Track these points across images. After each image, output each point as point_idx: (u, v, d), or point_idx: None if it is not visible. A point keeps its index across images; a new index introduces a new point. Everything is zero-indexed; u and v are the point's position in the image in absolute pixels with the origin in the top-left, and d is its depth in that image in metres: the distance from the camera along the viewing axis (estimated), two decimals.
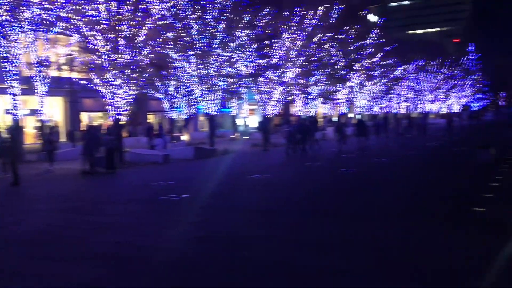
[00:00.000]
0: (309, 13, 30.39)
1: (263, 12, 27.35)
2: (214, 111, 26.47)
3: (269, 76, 29.64)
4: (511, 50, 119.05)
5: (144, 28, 19.97)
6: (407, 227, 7.58)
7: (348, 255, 6.12)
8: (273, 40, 29.34)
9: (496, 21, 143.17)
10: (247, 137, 35.45)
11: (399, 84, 55.84)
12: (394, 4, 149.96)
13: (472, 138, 29.01)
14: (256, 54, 27.88)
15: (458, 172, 14.26)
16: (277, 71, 29.71)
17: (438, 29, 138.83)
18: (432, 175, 13.76)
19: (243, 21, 26.02)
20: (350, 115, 50.61)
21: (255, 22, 27.02)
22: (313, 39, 31.64)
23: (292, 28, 29.80)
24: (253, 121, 41.92)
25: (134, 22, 19.61)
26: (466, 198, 9.66)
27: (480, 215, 8.08)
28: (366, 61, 41.07)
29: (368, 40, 41.00)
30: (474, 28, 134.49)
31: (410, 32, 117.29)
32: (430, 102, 73.90)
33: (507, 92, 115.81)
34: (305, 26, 30.40)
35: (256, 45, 27.46)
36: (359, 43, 39.12)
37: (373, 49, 41.59)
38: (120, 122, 20.90)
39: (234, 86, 28.35)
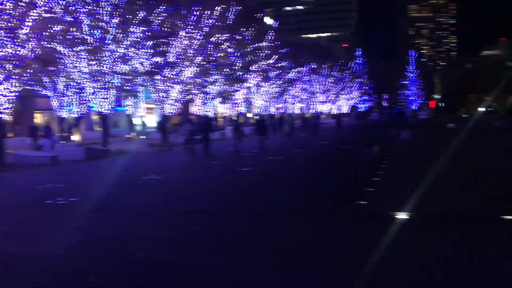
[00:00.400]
0: (206, 12, 30.39)
1: (159, 10, 26.80)
2: (107, 110, 25.38)
3: (166, 75, 29.12)
4: (392, 55, 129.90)
5: (28, 20, 18.50)
6: (294, 221, 7.93)
7: (238, 252, 6.24)
8: (170, 38, 28.88)
9: (377, 28, 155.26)
10: (144, 136, 34.50)
11: (293, 86, 58.21)
12: (288, 8, 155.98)
13: (358, 137, 31.15)
14: (152, 51, 27.20)
15: (345, 168, 15.24)
16: (174, 70, 29.30)
17: (329, 34, 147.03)
18: (321, 172, 14.54)
19: (138, 17, 25.26)
20: (249, 115, 51.68)
21: (150, 19, 26.36)
22: (210, 39, 31.71)
23: (189, 26, 29.59)
24: (151, 120, 40.95)
25: (17, 13, 18.09)
26: (351, 192, 10.35)
27: (362, 208, 8.72)
28: (262, 62, 42.17)
29: (264, 42, 42.14)
30: (360, 34, 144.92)
31: (304, 36, 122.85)
32: (321, 103, 78.02)
33: (389, 94, 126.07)
34: (202, 25, 30.35)
35: (152, 42, 26.80)
36: (256, 44, 40.07)
37: (269, 51, 42.85)
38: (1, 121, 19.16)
39: (129, 84, 27.44)
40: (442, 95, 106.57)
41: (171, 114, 30.93)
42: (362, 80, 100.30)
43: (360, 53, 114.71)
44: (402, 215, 7.77)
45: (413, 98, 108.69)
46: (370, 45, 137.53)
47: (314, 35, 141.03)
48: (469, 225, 7.32)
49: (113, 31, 23.85)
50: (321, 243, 6.58)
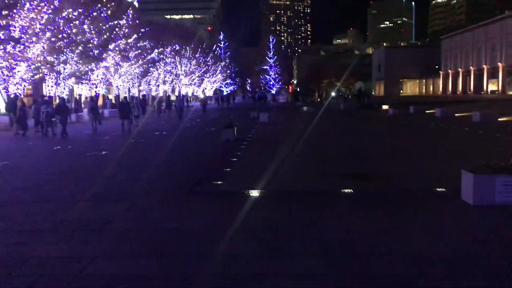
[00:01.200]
0: None
1: None
2: None
3: (9, 51, 26.08)
4: (254, 40, 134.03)
5: None
6: (149, 203, 7.69)
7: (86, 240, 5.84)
8: (13, 10, 25.84)
9: (240, 13, 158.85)
10: None
11: (157, 67, 56.83)
12: None
13: (221, 120, 31.65)
14: None
15: (206, 150, 15.28)
16: (18, 46, 26.36)
17: (193, 16, 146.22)
18: (182, 154, 14.41)
19: None
20: (110, 96, 49.12)
21: None
22: (62, 14, 29.18)
23: None
24: None
25: None
26: (209, 173, 10.40)
27: (218, 188, 8.82)
28: (121, 41, 40.25)
29: (123, 20, 40.20)
30: (224, 18, 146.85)
31: (167, 16, 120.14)
32: (186, 85, 77.68)
33: (251, 78, 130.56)
34: None
35: None
36: (114, 22, 38.03)
37: (128, 30, 41.03)
38: None
39: None
40: (298, 80, 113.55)
41: (19, 95, 27.91)
42: (225, 63, 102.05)
43: (223, 36, 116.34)
44: (254, 193, 8.04)
45: (273, 83, 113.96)
46: (233, 30, 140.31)
47: (178, 16, 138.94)
48: (313, 200, 7.83)
49: None
50: (169, 224, 6.47)
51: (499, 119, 24.40)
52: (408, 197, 7.72)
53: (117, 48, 39.33)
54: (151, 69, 53.42)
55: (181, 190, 8.64)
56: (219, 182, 9.17)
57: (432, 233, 5.80)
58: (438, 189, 8.16)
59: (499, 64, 66.93)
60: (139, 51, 45.31)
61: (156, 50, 50.44)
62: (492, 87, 69.91)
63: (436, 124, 23.36)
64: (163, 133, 22.28)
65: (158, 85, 67.58)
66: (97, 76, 39.02)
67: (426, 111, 34.93)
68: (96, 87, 40.97)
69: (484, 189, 6.90)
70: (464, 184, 7.21)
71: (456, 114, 30.05)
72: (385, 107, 44.02)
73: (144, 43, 45.84)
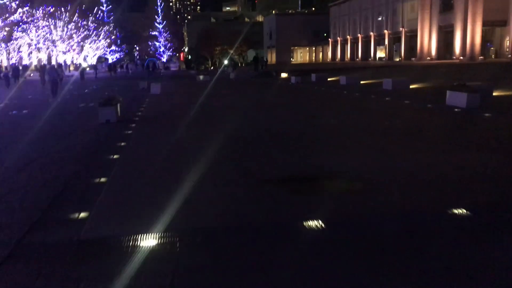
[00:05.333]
0: None
1: None
2: None
3: None
4: (140, 4, 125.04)
5: None
6: None
7: None
8: None
9: None
10: None
11: (27, 31, 48.64)
12: None
13: (103, 93, 26.75)
14: None
15: (73, 140, 10.92)
16: None
17: None
18: (38, 148, 10.11)
19: None
20: None
21: None
22: None
23: None
24: None
25: None
26: (67, 191, 6.51)
27: (77, 231, 5.12)
28: None
29: None
30: None
31: None
32: (63, 53, 68.92)
33: (139, 45, 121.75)
34: None
35: None
36: None
37: None
38: None
39: None
40: (190, 48, 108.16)
41: None
42: (109, 28, 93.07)
43: None
44: (143, 242, 4.52)
45: (163, 49, 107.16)
46: None
47: None
48: (247, 251, 4.57)
49: None
50: None
51: (411, 86, 23.06)
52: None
53: None
54: (16, 33, 45.38)
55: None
56: (80, 215, 5.13)
57: None
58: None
59: (385, 31, 68.57)
60: None
61: (20, 10, 42.54)
62: (380, 54, 71.75)
63: (350, 94, 21.18)
64: (23, 112, 17.20)
65: (31, 53, 58.75)
66: None
67: (328, 79, 33.22)
68: None
69: None
70: None
71: (362, 82, 28.54)
72: (284, 75, 41.89)
73: (4, 1, 38.11)
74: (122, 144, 9.49)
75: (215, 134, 10.28)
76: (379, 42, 71.74)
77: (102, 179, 6.54)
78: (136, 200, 5.60)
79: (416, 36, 58.99)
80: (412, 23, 60.69)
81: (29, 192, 6.12)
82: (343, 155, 7.97)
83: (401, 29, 63.94)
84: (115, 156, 8.22)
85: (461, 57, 48.65)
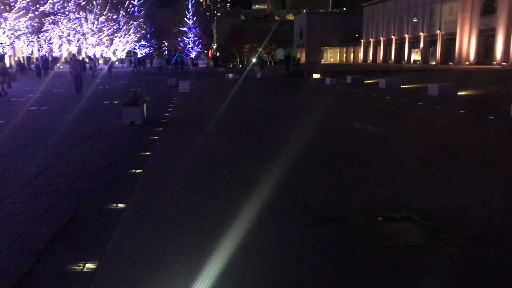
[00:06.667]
0: None
1: None
2: None
3: None
4: (169, 1, 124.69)
5: None
6: None
7: None
8: None
9: None
10: None
11: (57, 23, 48.18)
12: None
13: (129, 88, 25.66)
14: None
15: (91, 146, 9.64)
16: None
17: None
18: (48, 154, 8.82)
19: None
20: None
21: None
22: None
23: None
24: None
25: None
26: (79, 220, 5.18)
27: None
28: None
29: None
30: None
31: None
32: (93, 46, 68.63)
33: (168, 40, 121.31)
34: None
35: None
36: None
37: None
38: None
39: None
40: (218, 45, 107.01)
41: None
42: (139, 23, 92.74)
43: None
44: None
45: (192, 46, 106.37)
46: None
47: None
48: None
49: None
50: None
51: (459, 93, 21.13)
52: None
53: None
54: (47, 25, 44.89)
55: None
56: (85, 267, 3.73)
57: None
58: None
59: (421, 33, 66.01)
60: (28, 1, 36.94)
61: (50, 0, 41.95)
62: (414, 56, 69.20)
63: (394, 99, 19.35)
64: (43, 108, 16.07)
65: (61, 45, 58.46)
66: None
67: (365, 82, 31.39)
68: None
69: None
70: None
71: (402, 86, 26.65)
72: (316, 75, 40.19)
73: None
74: (147, 153, 8.11)
75: (258, 149, 8.79)
76: (414, 44, 69.18)
77: (120, 205, 5.16)
78: (158, 253, 4.18)
79: (453, 39, 56.40)
80: (450, 25, 58.06)
81: (23, 226, 4.77)
82: (424, 186, 6.34)
83: (437, 31, 61.35)
84: (138, 171, 6.83)
85: (504, 63, 45.98)
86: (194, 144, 9.20)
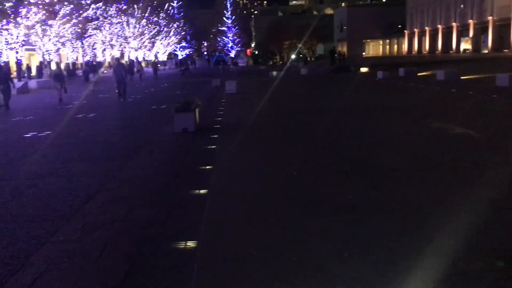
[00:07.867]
0: None
1: None
2: None
3: None
4: (207, 1, 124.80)
5: None
6: None
7: None
8: None
9: None
10: None
11: (100, 29, 48.55)
12: None
13: (175, 92, 25.00)
14: None
15: (141, 159, 8.56)
16: None
17: None
18: (91, 171, 7.96)
19: None
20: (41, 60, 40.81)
21: None
22: None
23: None
24: None
25: None
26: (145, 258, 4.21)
27: None
28: None
29: None
30: None
31: None
32: (135, 49, 69.13)
33: (207, 41, 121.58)
34: None
35: None
36: None
37: None
38: None
39: None
40: (256, 43, 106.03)
41: None
42: (179, 24, 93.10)
43: None
44: None
45: (231, 45, 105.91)
46: None
47: None
48: None
49: None
50: None
51: None
52: None
53: (40, 1, 31.25)
54: (91, 30, 45.20)
55: None
56: None
57: None
58: None
59: (470, 21, 62.52)
60: (72, 6, 37.07)
61: (93, 6, 42.08)
62: (464, 45, 65.71)
63: (461, 92, 17.60)
64: (89, 115, 15.45)
65: (104, 50, 59.09)
66: (17, 37, 31.01)
67: (418, 74, 29.49)
68: (17, 52, 32.91)
69: None
70: None
71: (462, 77, 24.70)
72: (363, 69, 38.46)
73: None
74: (207, 167, 7.09)
75: (333, 158, 7.65)
76: (462, 33, 65.63)
77: (190, 244, 4.13)
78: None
79: (507, 25, 52.88)
80: (503, 11, 54.49)
81: (74, 277, 3.81)
82: None
83: (489, 18, 57.80)
84: (202, 191, 5.80)
85: None
86: (256, 154, 8.11)
